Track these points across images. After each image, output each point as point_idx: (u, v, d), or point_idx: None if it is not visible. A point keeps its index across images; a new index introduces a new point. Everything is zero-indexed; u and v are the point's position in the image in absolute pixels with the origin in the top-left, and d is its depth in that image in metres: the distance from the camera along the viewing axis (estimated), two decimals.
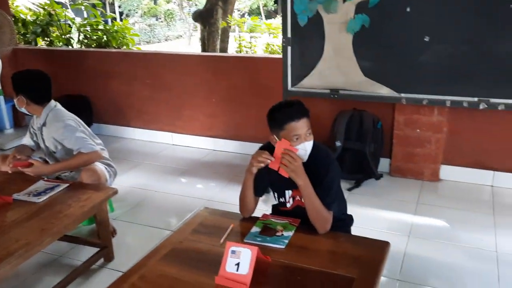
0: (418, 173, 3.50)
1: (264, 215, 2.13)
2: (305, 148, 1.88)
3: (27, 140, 2.89)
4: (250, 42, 5.83)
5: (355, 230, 2.19)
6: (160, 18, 22.88)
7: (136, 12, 22.04)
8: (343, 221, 2.19)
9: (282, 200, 2.10)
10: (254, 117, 4.13)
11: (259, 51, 5.98)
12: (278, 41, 5.90)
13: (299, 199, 2.03)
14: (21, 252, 1.90)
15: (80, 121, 2.83)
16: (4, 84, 4.71)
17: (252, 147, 4.09)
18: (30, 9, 6.79)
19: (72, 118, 2.76)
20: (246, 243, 1.85)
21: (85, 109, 4.65)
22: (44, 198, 2.35)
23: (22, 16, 6.24)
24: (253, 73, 4.05)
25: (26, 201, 2.33)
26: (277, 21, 18.64)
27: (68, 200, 2.35)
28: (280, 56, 3.47)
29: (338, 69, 3.19)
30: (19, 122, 5.08)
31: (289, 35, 3.24)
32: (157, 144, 4.53)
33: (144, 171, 3.91)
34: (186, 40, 20.78)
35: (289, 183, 1.96)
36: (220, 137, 4.33)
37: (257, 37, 5.94)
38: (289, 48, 3.28)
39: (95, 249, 2.59)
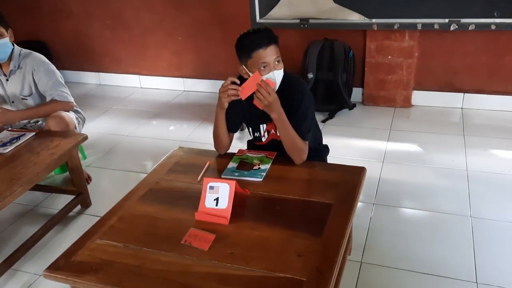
0: (390, 100, 3.52)
1: (240, 151, 2.11)
2: (274, 77, 1.82)
3: None
4: None
5: (331, 159, 2.21)
6: None
7: None
8: (319, 151, 2.20)
9: (257, 134, 2.08)
10: (223, 53, 4.00)
11: None
12: None
13: (274, 132, 2.01)
14: None
15: None
16: None
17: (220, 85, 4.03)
18: None
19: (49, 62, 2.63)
20: (224, 178, 1.85)
21: (44, 55, 4.39)
22: (10, 148, 2.27)
23: None
24: (219, 6, 3.86)
25: None
26: None
27: (36, 149, 2.27)
28: None
29: None
30: None
31: None
32: (125, 88, 4.38)
33: (114, 116, 3.80)
34: None
35: (263, 117, 1.93)
36: (189, 77, 4.21)
37: None
38: None
39: (71, 197, 2.55)
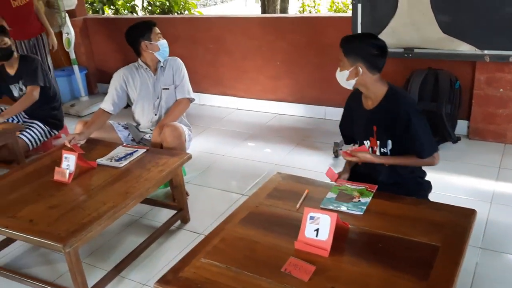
0: (500, 136, 3.28)
1: (339, 181, 2.10)
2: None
3: (106, 106, 2.91)
4: (314, 1, 5.61)
5: (433, 196, 2.11)
6: None
7: None
8: (421, 186, 2.13)
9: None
10: (319, 78, 4.04)
11: (323, 10, 5.76)
12: None
13: (376, 149, 2.07)
14: (110, 214, 2.03)
15: None
16: (77, 54, 4.92)
17: (318, 110, 4.07)
18: None
19: None
20: (323, 209, 1.85)
21: None
22: (125, 163, 2.47)
23: None
24: (318, 34, 3.92)
25: (109, 166, 2.46)
26: None
27: (147, 165, 2.45)
28: (347, 14, 3.31)
29: (413, 25, 2.99)
30: (92, 90, 5.32)
31: None
32: (222, 109, 4.58)
33: (211, 135, 3.98)
34: (242, 1, 20.48)
35: (365, 133, 2.06)
36: (285, 101, 4.29)
37: None
38: (359, 6, 3.11)
39: (171, 211, 2.71)
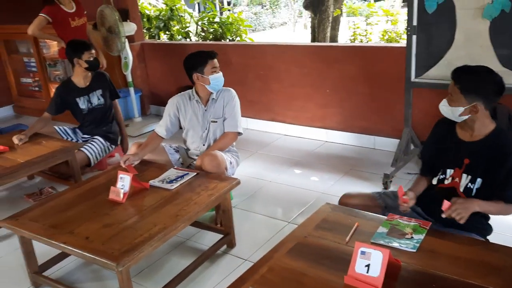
0: None
1: (390, 215, 2.06)
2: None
3: (160, 131, 3.03)
4: (366, 30, 5.61)
5: (492, 237, 2.02)
6: (265, 6, 23.18)
7: (243, 1, 22.58)
8: (482, 225, 2.06)
9: (442, 176, 2.08)
10: (369, 108, 4.00)
11: (375, 39, 5.74)
12: (396, 27, 5.61)
13: (457, 181, 2.02)
14: (160, 235, 2.08)
15: None
16: (133, 77, 5.16)
17: (367, 139, 4.02)
18: (152, 5, 7.32)
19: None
20: (373, 243, 1.81)
21: None
22: (176, 185, 2.54)
23: (147, 12, 6.76)
24: (369, 63, 3.91)
25: (160, 187, 2.54)
26: (387, 3, 17.74)
27: (197, 188, 2.51)
28: (399, 44, 3.29)
29: (470, 58, 2.91)
30: (145, 111, 5.54)
31: (414, 23, 3.05)
32: (270, 134, 4.62)
33: (259, 161, 4.02)
34: (290, 27, 20.79)
35: (453, 162, 2.03)
36: (333, 128, 4.27)
37: (373, 23, 5.67)
38: (414, 37, 3.08)
39: (217, 235, 2.74)
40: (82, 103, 3.79)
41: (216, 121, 2.99)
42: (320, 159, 3.93)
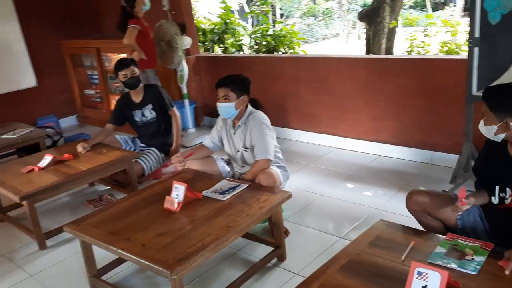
0: None
1: (449, 235, 1.97)
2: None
3: (208, 143, 3.21)
4: (423, 42, 5.45)
5: None
6: (318, 18, 23.16)
7: (296, 13, 22.70)
8: None
9: (502, 195, 2.02)
10: (425, 122, 3.87)
11: (433, 50, 5.55)
12: (455, 38, 5.41)
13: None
14: (213, 246, 2.12)
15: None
16: (188, 89, 5.31)
17: (424, 154, 3.89)
18: (207, 18, 7.53)
19: (268, 120, 3.02)
20: (430, 264, 1.75)
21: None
22: (228, 196, 2.58)
23: (202, 26, 6.96)
24: (426, 76, 3.78)
25: (213, 198, 2.59)
26: (445, 13, 17.16)
27: (249, 200, 2.53)
28: (460, 57, 3.16)
29: None
30: (199, 122, 5.68)
31: (476, 34, 2.92)
32: (321, 147, 4.58)
33: (309, 173, 3.99)
34: (343, 38, 20.62)
35: (507, 183, 1.97)
36: (387, 142, 4.17)
37: (431, 34, 5.49)
38: (475, 49, 2.96)
39: (268, 247, 2.74)
40: (137, 116, 3.97)
41: (248, 149, 3.02)
42: (373, 174, 3.83)
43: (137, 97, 3.94)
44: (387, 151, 4.17)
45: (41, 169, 3.38)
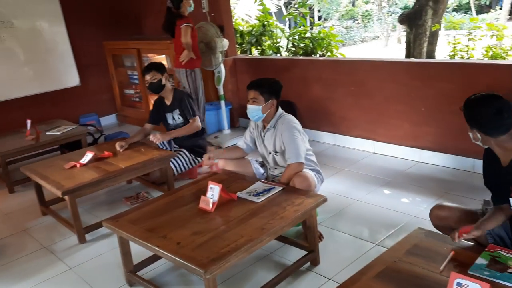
0: None
1: (491, 246, 1.90)
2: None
3: (241, 144, 3.25)
4: (467, 46, 5.26)
5: None
6: (357, 20, 22.87)
7: (334, 15, 22.49)
8: None
9: None
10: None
11: (477, 55, 5.35)
12: (501, 42, 5.20)
13: None
14: (246, 247, 2.12)
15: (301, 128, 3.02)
16: (224, 91, 5.36)
17: (465, 162, 3.76)
18: (244, 20, 7.57)
19: (298, 123, 2.99)
20: (471, 275, 1.68)
21: (291, 113, 4.90)
22: (262, 198, 2.58)
23: (240, 28, 7.00)
24: (470, 81, 3.66)
25: (247, 199, 2.60)
26: (490, 16, 16.55)
27: (283, 203, 2.52)
28: (506, 62, 3.04)
29: None
30: (234, 123, 5.72)
31: None
32: (358, 152, 4.51)
33: (345, 178, 3.93)
34: (383, 41, 20.26)
35: (505, 193, 1.96)
36: (427, 149, 4.05)
37: (475, 38, 5.29)
38: None
39: (301, 251, 2.72)
40: (169, 119, 4.05)
41: (278, 153, 3.02)
42: (412, 180, 3.74)
43: (168, 100, 4.03)
44: (426, 158, 4.05)
45: (82, 165, 3.49)
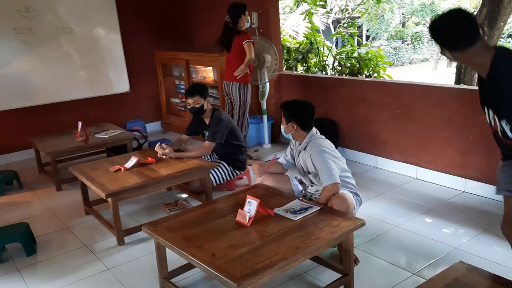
0: None
1: None
2: None
3: (282, 159, 3.30)
4: None
5: None
6: (406, 41, 22.49)
7: (383, 35, 22.24)
8: None
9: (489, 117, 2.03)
10: None
11: None
12: None
13: None
14: (281, 265, 2.11)
15: (334, 150, 2.99)
16: (267, 105, 5.40)
17: None
18: (292, 37, 7.63)
19: (328, 147, 2.95)
20: None
21: (332, 132, 4.90)
22: (299, 217, 2.57)
23: (288, 44, 7.06)
24: None
25: (284, 217, 2.59)
26: None
27: (320, 223, 2.49)
28: None
29: None
30: (275, 138, 5.74)
31: None
32: (400, 176, 4.41)
33: (385, 202, 3.85)
34: (431, 64, 19.81)
35: None
36: (474, 179, 3.90)
37: None
38: None
39: (335, 273, 2.68)
40: (205, 135, 4.10)
41: (310, 174, 3.05)
42: (455, 210, 3.60)
43: (207, 119, 4.08)
44: (472, 188, 3.90)
45: (126, 169, 3.61)
